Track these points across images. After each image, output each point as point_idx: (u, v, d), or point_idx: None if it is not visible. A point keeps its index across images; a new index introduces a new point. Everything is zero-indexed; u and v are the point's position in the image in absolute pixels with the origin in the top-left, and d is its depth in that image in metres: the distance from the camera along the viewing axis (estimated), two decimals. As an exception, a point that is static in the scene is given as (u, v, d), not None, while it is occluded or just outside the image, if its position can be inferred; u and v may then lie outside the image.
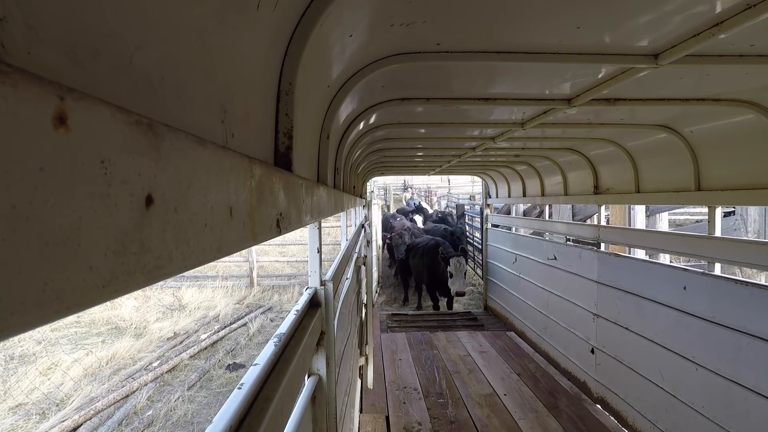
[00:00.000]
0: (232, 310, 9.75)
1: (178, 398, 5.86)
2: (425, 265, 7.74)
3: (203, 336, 8.07)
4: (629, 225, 7.01)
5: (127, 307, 9.39)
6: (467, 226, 12.10)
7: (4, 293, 0.20)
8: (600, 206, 4.10)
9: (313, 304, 1.45)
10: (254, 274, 11.70)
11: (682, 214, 11.39)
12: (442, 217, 13.78)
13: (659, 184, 3.11)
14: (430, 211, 16.66)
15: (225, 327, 8.58)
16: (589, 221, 7.55)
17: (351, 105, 1.90)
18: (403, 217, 13.11)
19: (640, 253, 4.28)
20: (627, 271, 3.34)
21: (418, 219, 13.47)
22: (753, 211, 8.05)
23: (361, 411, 3.58)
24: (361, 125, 2.36)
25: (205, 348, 7.57)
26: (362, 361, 3.86)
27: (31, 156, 0.22)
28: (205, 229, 0.42)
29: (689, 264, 5.69)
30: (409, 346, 5.17)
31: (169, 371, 6.66)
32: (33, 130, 0.22)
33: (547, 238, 5.09)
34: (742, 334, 2.29)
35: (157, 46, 0.42)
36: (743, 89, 2.00)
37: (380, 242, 10.66)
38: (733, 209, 8.36)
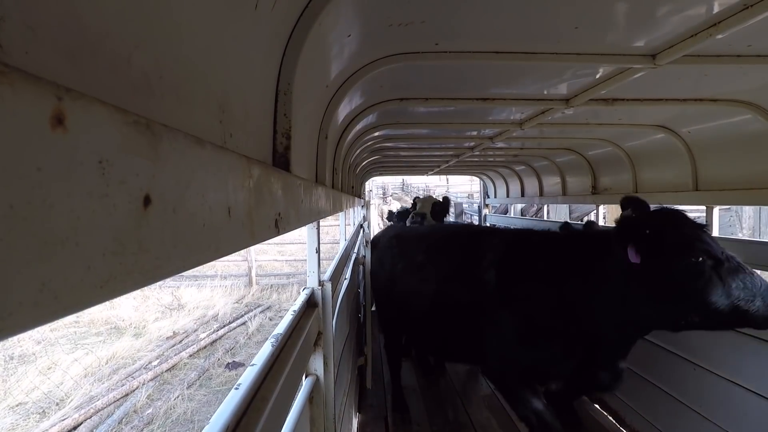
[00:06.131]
0: (231, 309, 9.75)
1: (178, 396, 5.86)
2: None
3: (202, 335, 8.07)
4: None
5: (126, 306, 9.37)
6: None
7: (2, 294, 0.20)
8: (598, 205, 4.11)
9: (311, 304, 1.46)
10: (253, 273, 11.70)
11: (679, 212, 11.40)
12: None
13: (657, 183, 3.11)
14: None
15: (224, 326, 8.58)
16: (586, 219, 7.57)
17: (349, 105, 1.90)
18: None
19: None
20: (625, 271, 3.32)
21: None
22: (748, 208, 8.08)
23: (359, 411, 3.58)
24: (360, 125, 2.35)
25: (204, 347, 7.57)
26: (361, 361, 3.85)
27: (29, 156, 0.22)
28: (203, 230, 0.42)
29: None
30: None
31: (168, 370, 6.66)
32: (31, 129, 0.22)
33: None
34: (741, 334, 2.30)
35: (155, 46, 0.42)
36: (741, 89, 2.00)
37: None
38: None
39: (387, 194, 25.51)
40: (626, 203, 2.18)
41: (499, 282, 2.48)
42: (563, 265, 2.32)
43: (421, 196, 5.89)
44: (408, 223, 5.41)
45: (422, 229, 3.99)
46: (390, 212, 7.38)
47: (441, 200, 5.50)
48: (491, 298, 2.48)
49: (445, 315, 2.75)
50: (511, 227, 3.20)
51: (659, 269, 1.96)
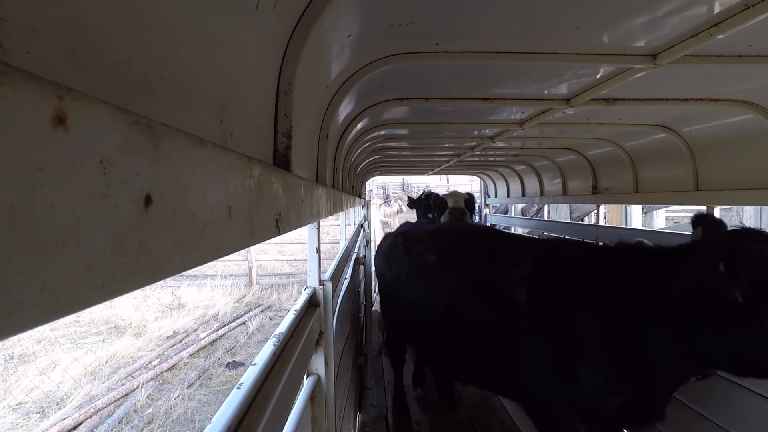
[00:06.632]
0: (231, 309, 9.76)
1: (178, 396, 5.87)
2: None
3: (202, 334, 8.08)
4: (626, 222, 7.04)
5: (126, 306, 9.38)
6: None
7: (3, 293, 0.20)
8: (598, 205, 4.10)
9: (312, 303, 1.46)
10: (253, 273, 11.71)
11: (679, 210, 11.45)
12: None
13: (658, 183, 3.11)
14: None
15: (224, 326, 8.59)
16: (586, 219, 7.58)
17: (350, 105, 1.90)
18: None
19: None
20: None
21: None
22: (749, 208, 8.08)
23: (360, 411, 3.59)
24: (360, 125, 2.35)
25: (205, 346, 7.58)
26: (362, 360, 3.86)
27: (29, 156, 0.22)
28: (204, 229, 0.42)
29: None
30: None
31: (168, 369, 6.66)
32: (32, 130, 0.22)
33: (545, 238, 5.07)
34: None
35: (156, 46, 0.42)
36: (742, 89, 2.00)
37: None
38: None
39: (387, 194, 25.46)
40: (698, 222, 1.87)
41: (531, 301, 2.17)
42: (613, 286, 2.00)
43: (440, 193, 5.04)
44: (443, 220, 4.74)
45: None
46: (410, 199, 5.94)
47: (466, 197, 4.96)
48: (522, 318, 2.16)
49: (466, 331, 2.41)
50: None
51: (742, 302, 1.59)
